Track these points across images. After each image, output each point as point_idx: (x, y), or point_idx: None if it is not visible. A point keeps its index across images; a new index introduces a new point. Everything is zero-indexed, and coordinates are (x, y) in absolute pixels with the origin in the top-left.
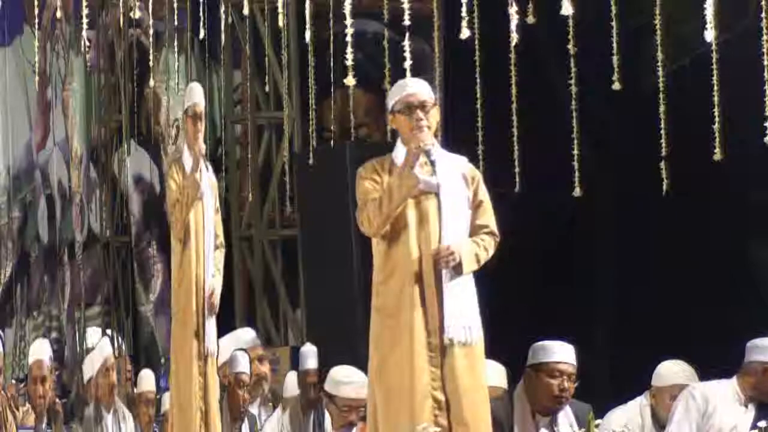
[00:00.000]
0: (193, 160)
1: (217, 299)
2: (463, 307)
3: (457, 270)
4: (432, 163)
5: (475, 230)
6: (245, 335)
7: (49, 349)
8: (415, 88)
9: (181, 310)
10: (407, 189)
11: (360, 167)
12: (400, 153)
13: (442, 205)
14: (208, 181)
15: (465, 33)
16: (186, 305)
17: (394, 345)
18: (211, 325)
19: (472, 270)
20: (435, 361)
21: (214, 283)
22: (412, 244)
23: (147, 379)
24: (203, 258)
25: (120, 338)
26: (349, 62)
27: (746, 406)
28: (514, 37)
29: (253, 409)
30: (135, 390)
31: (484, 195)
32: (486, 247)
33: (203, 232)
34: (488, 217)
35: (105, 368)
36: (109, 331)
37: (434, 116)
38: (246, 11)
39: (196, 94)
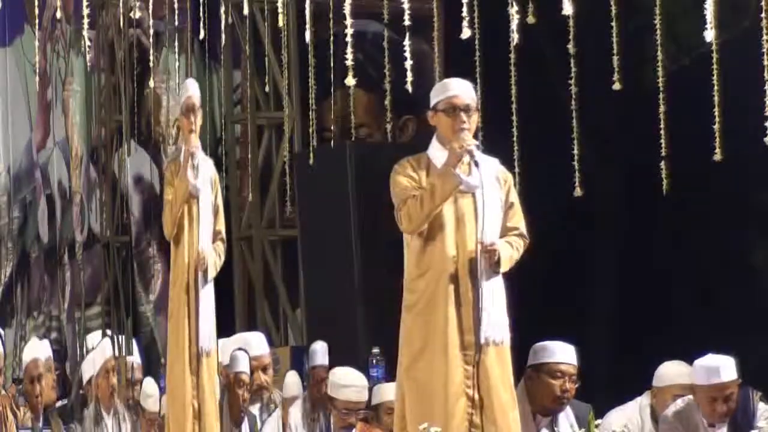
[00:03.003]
0: (183, 158)
1: (207, 263)
2: (498, 307)
3: (496, 268)
4: (476, 164)
5: (505, 232)
6: (254, 341)
7: (47, 349)
8: (462, 89)
9: (174, 309)
10: (450, 188)
11: (396, 164)
12: (437, 152)
13: (479, 205)
14: (208, 176)
15: (465, 33)
16: (179, 304)
17: (427, 343)
18: (206, 324)
19: (507, 270)
20: (469, 359)
21: (207, 253)
22: (449, 242)
23: (154, 399)
24: (196, 257)
25: (120, 338)
26: (349, 62)
27: (714, 428)
28: (514, 37)
29: (254, 410)
30: (140, 401)
31: (515, 197)
32: (518, 249)
33: (197, 231)
34: (519, 219)
35: (105, 370)
36: (109, 332)
37: (475, 120)
38: (246, 11)
39: (190, 89)
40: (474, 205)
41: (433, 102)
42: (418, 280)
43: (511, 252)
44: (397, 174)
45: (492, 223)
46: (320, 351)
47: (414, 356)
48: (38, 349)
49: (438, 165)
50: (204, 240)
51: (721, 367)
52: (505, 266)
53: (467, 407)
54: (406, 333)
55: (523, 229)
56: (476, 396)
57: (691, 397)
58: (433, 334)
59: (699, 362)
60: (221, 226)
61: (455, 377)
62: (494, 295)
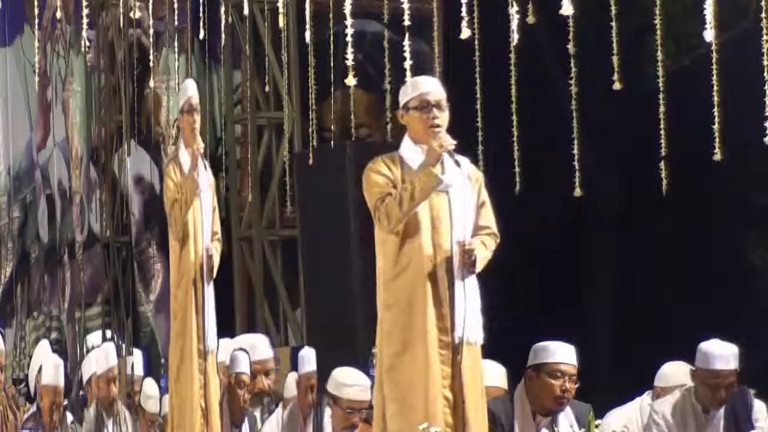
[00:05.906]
0: (191, 158)
1: (213, 261)
2: (473, 307)
3: (471, 268)
4: (458, 164)
5: (477, 230)
6: (258, 344)
7: (62, 371)
8: (432, 86)
9: (179, 309)
10: (431, 187)
11: (370, 162)
12: (410, 151)
13: (453, 204)
14: (207, 176)
15: (465, 33)
16: (185, 304)
17: (408, 343)
18: (210, 322)
19: (480, 270)
20: (446, 359)
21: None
22: (426, 241)
23: (154, 400)
24: (202, 257)
25: (120, 338)
26: (349, 62)
27: (707, 415)
28: (514, 37)
29: (254, 412)
30: (140, 401)
31: (485, 196)
32: (491, 248)
33: (201, 231)
34: (489, 218)
35: (107, 379)
36: (109, 332)
37: (446, 117)
38: (246, 11)
39: (190, 89)
40: (449, 204)
41: (403, 101)
42: (395, 279)
43: (486, 252)
44: (371, 172)
45: (466, 222)
46: (309, 357)
47: (395, 357)
48: (59, 374)
49: (412, 164)
50: (206, 239)
51: (726, 355)
52: (480, 266)
53: (443, 407)
54: (385, 333)
55: (495, 227)
56: (451, 397)
57: (684, 387)
58: (414, 334)
59: (705, 346)
60: (217, 227)
61: (435, 377)
62: (469, 294)
